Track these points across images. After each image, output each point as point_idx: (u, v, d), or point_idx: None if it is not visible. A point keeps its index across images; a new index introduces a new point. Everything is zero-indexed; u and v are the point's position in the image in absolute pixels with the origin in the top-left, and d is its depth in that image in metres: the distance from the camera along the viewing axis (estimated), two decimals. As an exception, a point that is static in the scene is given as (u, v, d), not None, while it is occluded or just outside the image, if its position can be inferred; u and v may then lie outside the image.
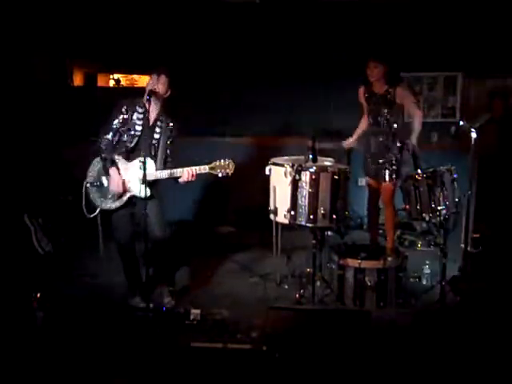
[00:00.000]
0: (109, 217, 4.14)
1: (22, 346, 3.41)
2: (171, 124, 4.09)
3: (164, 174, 3.95)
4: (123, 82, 7.20)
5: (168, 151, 4.08)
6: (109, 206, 4.05)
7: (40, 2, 5.97)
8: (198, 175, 3.97)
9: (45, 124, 6.04)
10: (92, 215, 4.09)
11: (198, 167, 3.91)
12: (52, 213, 5.49)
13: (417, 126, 4.49)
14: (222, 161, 3.88)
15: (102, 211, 4.10)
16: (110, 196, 4.04)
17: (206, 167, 3.90)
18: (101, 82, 7.18)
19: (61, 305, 3.96)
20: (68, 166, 5.88)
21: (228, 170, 3.89)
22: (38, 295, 3.73)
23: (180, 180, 3.95)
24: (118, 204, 4.04)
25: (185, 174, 3.91)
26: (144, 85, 4.11)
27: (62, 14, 6.22)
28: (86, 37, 6.43)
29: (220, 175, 3.90)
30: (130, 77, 7.24)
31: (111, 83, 7.22)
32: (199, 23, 6.43)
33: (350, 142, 4.90)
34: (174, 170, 3.93)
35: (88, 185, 4.08)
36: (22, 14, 5.81)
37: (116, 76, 7.15)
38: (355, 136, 4.90)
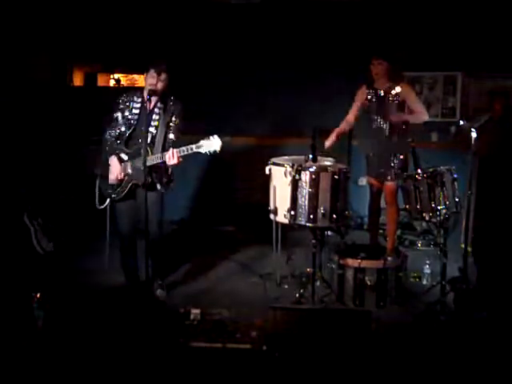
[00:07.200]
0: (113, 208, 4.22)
1: (23, 347, 3.41)
2: (172, 106, 4.07)
3: (157, 157, 3.90)
4: (123, 82, 7.20)
5: (169, 137, 4.06)
6: (114, 196, 4.13)
7: (40, 3, 5.97)
8: (192, 157, 3.88)
9: (45, 124, 6.04)
10: (102, 206, 4.20)
11: (184, 147, 3.80)
12: (52, 212, 5.49)
13: (418, 117, 4.54)
14: (211, 137, 3.72)
15: (111, 203, 4.19)
16: (115, 186, 4.10)
17: (193, 146, 3.77)
18: (101, 81, 7.19)
19: (61, 305, 3.96)
20: (68, 166, 5.89)
21: (215, 147, 3.72)
22: (38, 295, 3.73)
23: (167, 163, 3.86)
24: (121, 194, 4.09)
25: (166, 156, 3.84)
26: (144, 84, 4.10)
27: (61, 14, 6.23)
28: (86, 37, 6.44)
29: (208, 153, 3.74)
30: (130, 77, 7.24)
31: (111, 83, 7.23)
32: (199, 23, 6.44)
33: (330, 142, 4.70)
34: (165, 153, 3.87)
35: (98, 176, 4.16)
36: (21, 15, 5.81)
37: (116, 76, 7.16)
38: (334, 136, 4.71)
